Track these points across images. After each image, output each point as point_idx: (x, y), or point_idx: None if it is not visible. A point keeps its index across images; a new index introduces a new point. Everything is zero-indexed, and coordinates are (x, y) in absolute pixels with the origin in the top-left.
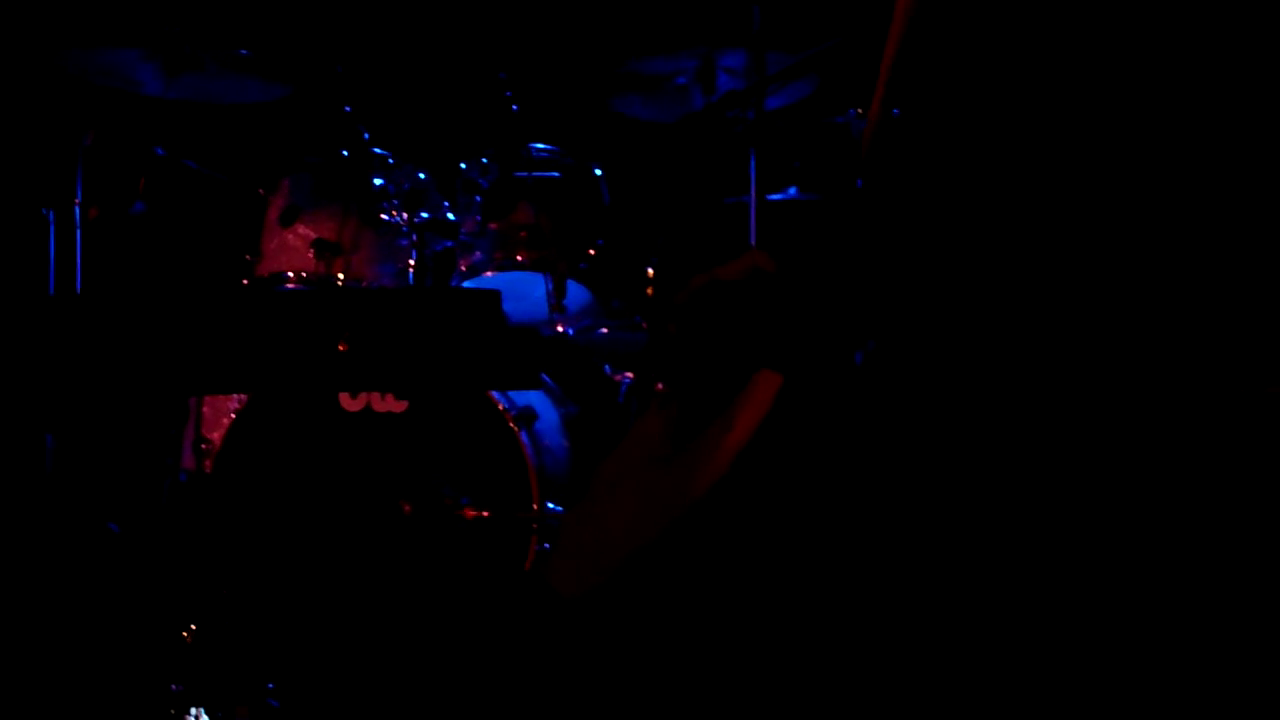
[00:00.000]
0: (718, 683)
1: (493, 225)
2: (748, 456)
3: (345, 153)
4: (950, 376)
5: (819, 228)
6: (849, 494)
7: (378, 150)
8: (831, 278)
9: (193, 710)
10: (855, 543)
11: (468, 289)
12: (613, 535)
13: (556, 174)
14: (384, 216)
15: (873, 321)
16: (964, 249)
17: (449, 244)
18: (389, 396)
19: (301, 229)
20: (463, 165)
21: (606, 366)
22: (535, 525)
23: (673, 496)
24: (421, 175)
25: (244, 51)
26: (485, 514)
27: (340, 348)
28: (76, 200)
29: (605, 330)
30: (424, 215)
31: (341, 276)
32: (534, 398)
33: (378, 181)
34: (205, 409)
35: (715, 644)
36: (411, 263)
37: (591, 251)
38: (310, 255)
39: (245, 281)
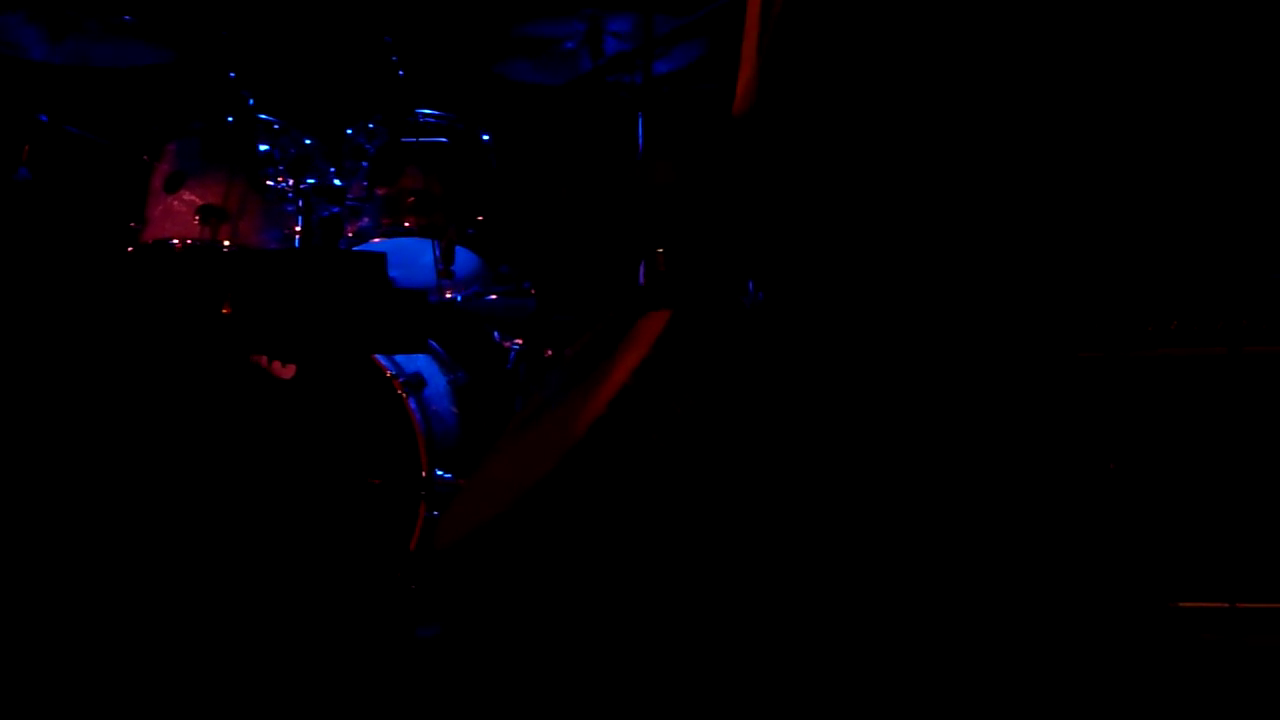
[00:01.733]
0: (588, 626)
1: (380, 190)
2: (629, 395)
3: (230, 119)
4: (821, 324)
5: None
6: (728, 432)
7: (263, 116)
8: (715, 227)
9: None
10: (731, 479)
11: (353, 252)
12: (498, 489)
13: (444, 139)
14: (270, 182)
15: (754, 269)
16: (836, 206)
17: (335, 210)
18: (275, 365)
19: (187, 195)
20: (349, 131)
21: (495, 333)
22: (423, 492)
23: (558, 440)
24: (308, 141)
25: (127, 17)
26: (375, 481)
27: (224, 310)
28: None
29: (494, 296)
30: (310, 181)
31: (228, 242)
32: (422, 364)
33: (263, 147)
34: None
35: (593, 585)
36: (298, 228)
37: (480, 217)
38: (196, 221)
39: (130, 249)
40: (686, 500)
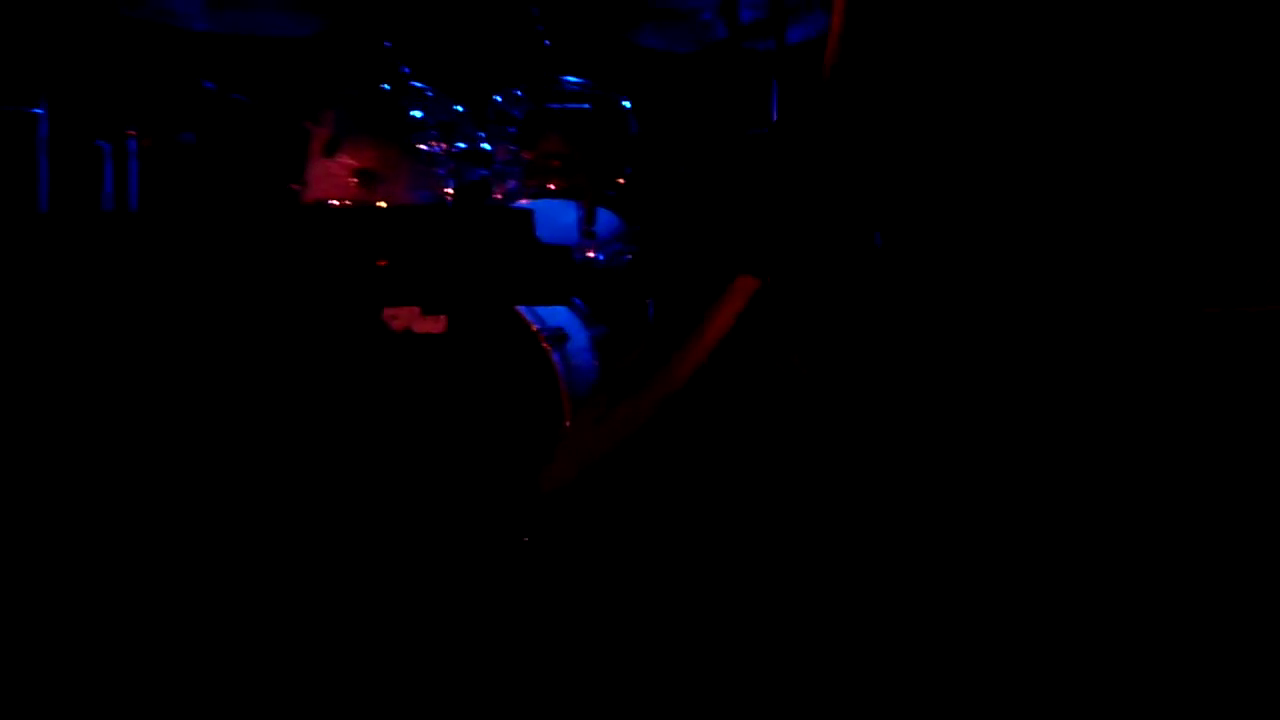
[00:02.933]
0: (684, 577)
1: (526, 155)
2: (723, 351)
3: (386, 86)
4: (923, 288)
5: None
6: (819, 397)
7: (416, 84)
8: (807, 196)
9: None
10: (822, 446)
11: (502, 208)
12: (600, 436)
13: (587, 105)
14: (422, 146)
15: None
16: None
17: (484, 173)
18: (428, 319)
19: (344, 158)
20: (497, 98)
21: (637, 290)
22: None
23: (659, 390)
24: (458, 108)
25: None
26: (532, 422)
27: (380, 264)
28: (130, 131)
29: (629, 256)
30: (460, 145)
31: (383, 203)
32: (565, 319)
33: (416, 114)
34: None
35: (688, 538)
36: (449, 190)
37: (620, 180)
38: (353, 183)
39: (290, 207)
40: (779, 454)
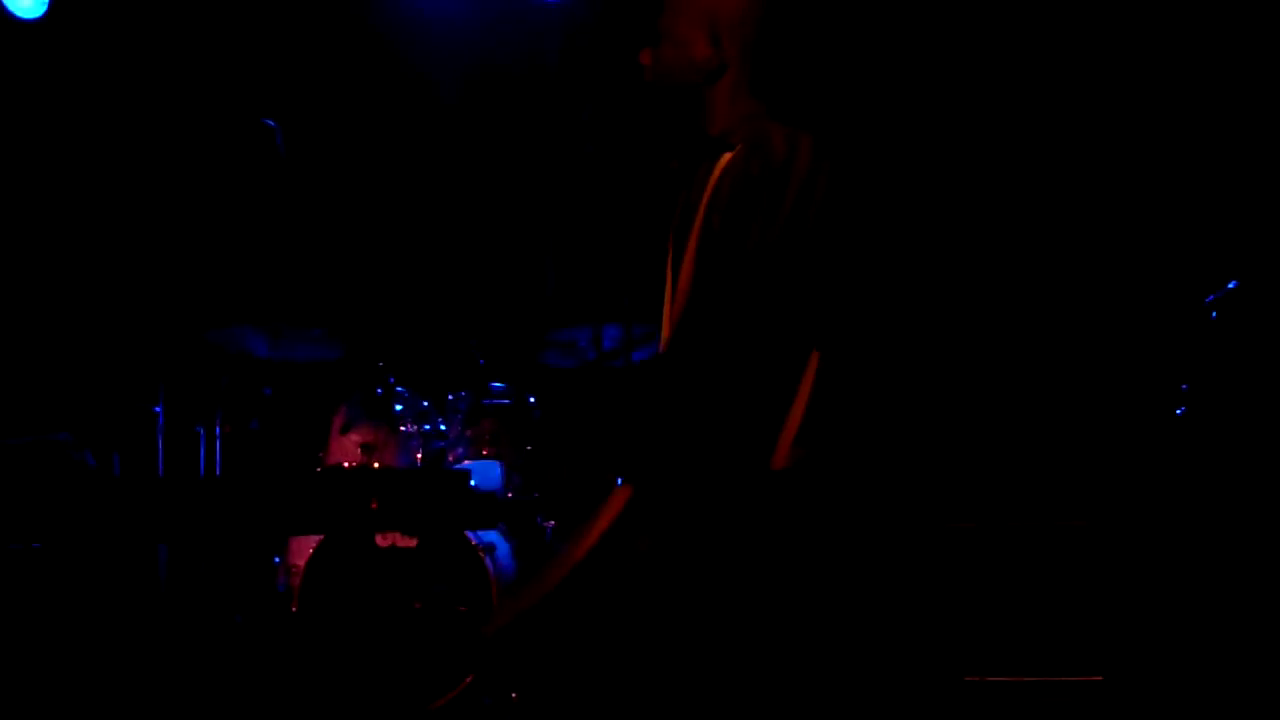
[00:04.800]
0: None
1: (468, 432)
2: (592, 560)
3: (379, 390)
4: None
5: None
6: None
7: (399, 389)
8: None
9: None
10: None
11: (451, 470)
12: (519, 601)
13: (508, 401)
14: (402, 428)
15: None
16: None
17: (442, 444)
18: (406, 539)
19: (353, 436)
20: (450, 396)
21: (539, 518)
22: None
23: (556, 573)
24: (424, 403)
25: (316, 331)
26: (464, 609)
27: (373, 504)
28: (217, 421)
29: (536, 495)
30: (426, 427)
31: (376, 465)
32: (493, 536)
33: (399, 407)
34: (292, 544)
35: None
36: (420, 456)
37: (529, 448)
38: (359, 453)
39: (319, 469)
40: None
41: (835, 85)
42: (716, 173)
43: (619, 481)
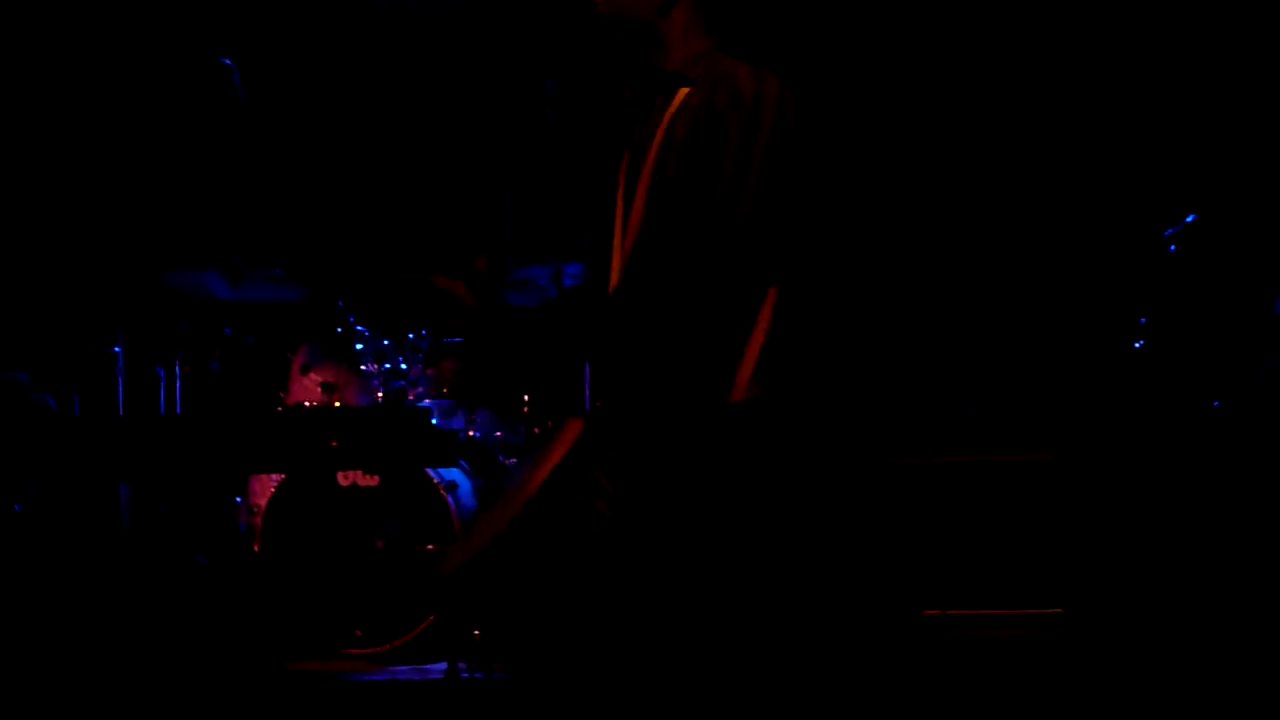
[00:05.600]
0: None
1: (429, 372)
2: (543, 496)
3: (340, 330)
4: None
5: None
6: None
7: (359, 328)
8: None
9: None
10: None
11: (414, 409)
12: (474, 541)
13: (464, 340)
14: (363, 367)
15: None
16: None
17: (402, 384)
18: (367, 477)
19: (314, 376)
20: (411, 336)
21: (500, 455)
22: None
23: (509, 509)
24: (386, 342)
25: (278, 271)
26: (429, 547)
27: (334, 443)
28: (177, 362)
29: (499, 434)
30: (387, 365)
31: (337, 404)
32: (456, 475)
33: (359, 346)
34: (253, 483)
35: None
36: (380, 395)
37: (489, 387)
38: (319, 392)
39: (279, 408)
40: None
41: (785, 27)
42: (674, 106)
43: (568, 416)
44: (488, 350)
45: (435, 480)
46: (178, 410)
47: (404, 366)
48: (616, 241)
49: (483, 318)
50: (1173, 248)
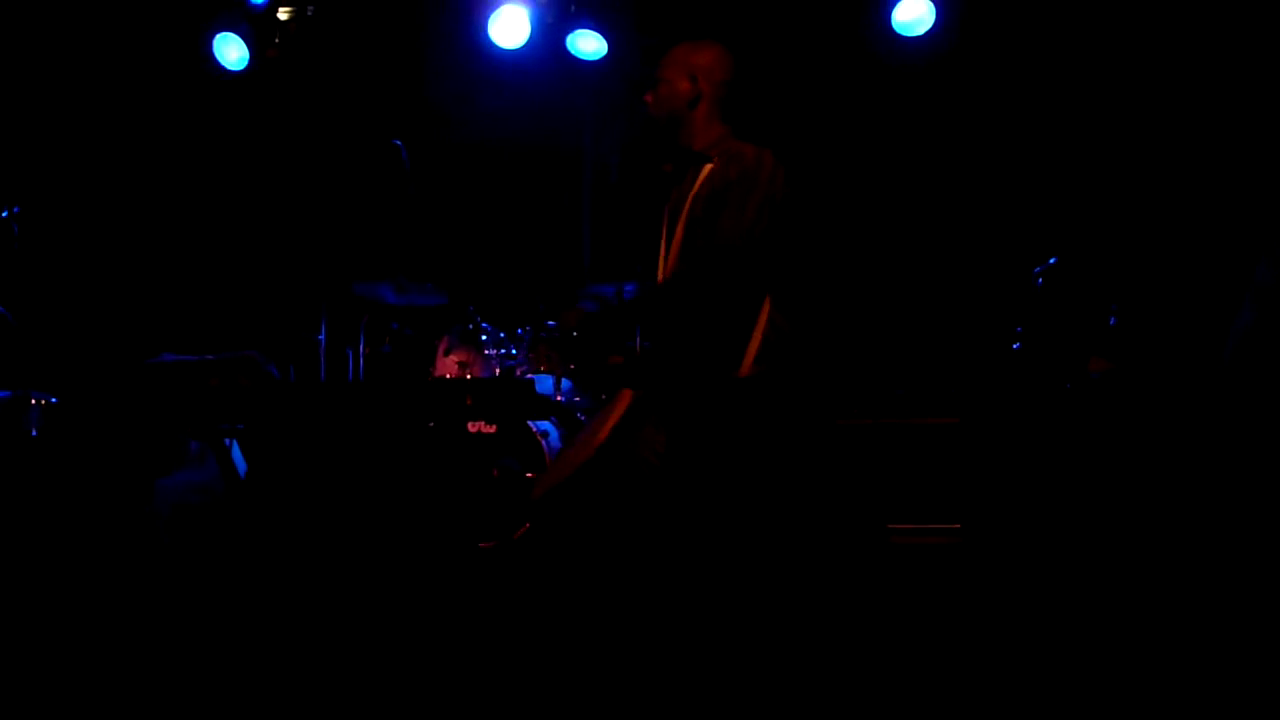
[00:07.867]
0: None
1: (531, 355)
2: (606, 447)
3: (470, 326)
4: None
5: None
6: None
7: (485, 325)
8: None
9: None
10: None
11: (521, 380)
12: (558, 471)
13: (559, 334)
14: (487, 351)
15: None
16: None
17: (513, 363)
18: (487, 426)
19: (453, 357)
20: (519, 330)
21: (580, 415)
22: None
23: (582, 453)
24: (501, 334)
25: (429, 285)
26: (530, 475)
27: (467, 402)
28: (361, 345)
29: (577, 399)
30: (503, 350)
31: (469, 376)
32: (548, 426)
33: (484, 337)
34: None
35: (596, 540)
36: (498, 370)
37: (572, 367)
38: (457, 368)
39: (429, 379)
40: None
41: (768, 116)
42: (702, 176)
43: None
44: (572, 344)
45: (534, 430)
46: (361, 379)
47: (514, 351)
48: (660, 267)
49: (577, 331)
50: (1040, 280)
